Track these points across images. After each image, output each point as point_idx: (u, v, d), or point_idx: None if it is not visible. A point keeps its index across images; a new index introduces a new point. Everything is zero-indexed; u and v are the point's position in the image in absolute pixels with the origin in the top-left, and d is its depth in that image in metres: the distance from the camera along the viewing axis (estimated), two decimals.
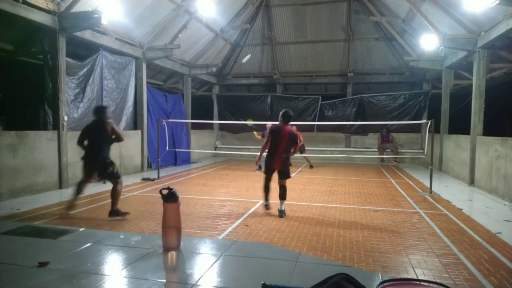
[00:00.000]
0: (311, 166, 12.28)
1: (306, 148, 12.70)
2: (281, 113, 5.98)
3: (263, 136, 11.46)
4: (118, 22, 8.88)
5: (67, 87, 8.20)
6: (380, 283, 1.22)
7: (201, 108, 16.05)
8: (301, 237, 4.65)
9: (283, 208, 5.82)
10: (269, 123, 11.36)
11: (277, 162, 5.86)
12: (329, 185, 8.92)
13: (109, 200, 6.91)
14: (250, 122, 13.65)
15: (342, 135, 15.26)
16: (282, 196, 5.88)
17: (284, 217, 5.67)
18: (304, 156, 12.38)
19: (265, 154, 6.18)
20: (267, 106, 15.95)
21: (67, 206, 5.68)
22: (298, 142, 6.05)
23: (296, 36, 14.89)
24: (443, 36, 8.87)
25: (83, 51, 9.27)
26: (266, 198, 6.11)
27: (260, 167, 11.48)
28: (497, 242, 4.58)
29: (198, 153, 14.48)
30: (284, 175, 5.92)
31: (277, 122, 6.11)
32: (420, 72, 13.97)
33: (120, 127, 10.20)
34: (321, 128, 15.10)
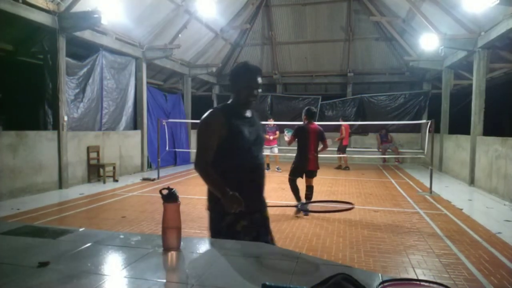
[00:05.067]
0: (345, 167, 12.06)
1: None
2: (304, 111, 5.86)
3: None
4: (118, 22, 8.87)
5: (67, 87, 8.20)
6: (380, 283, 1.22)
7: (201, 108, 15.98)
8: (301, 237, 4.65)
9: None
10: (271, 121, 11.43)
11: (311, 163, 5.71)
12: (329, 185, 8.92)
13: (109, 200, 6.94)
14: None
15: None
16: (310, 197, 5.78)
17: (307, 219, 5.50)
18: (341, 157, 12.18)
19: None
20: (267, 106, 15.94)
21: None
22: (325, 137, 5.80)
23: (296, 36, 14.89)
24: (443, 36, 8.87)
25: (83, 51, 9.26)
26: (299, 198, 5.78)
27: (268, 166, 11.48)
28: (497, 242, 4.58)
29: None
30: (314, 174, 5.84)
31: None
32: (420, 72, 13.97)
33: (120, 127, 10.21)
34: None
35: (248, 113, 2.26)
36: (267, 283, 1.18)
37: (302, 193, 5.85)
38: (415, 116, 14.28)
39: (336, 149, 12.07)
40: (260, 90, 2.23)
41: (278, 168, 11.22)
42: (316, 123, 6.00)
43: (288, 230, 4.95)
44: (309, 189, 5.82)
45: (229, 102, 2.27)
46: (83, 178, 8.59)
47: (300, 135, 5.72)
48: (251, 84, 2.18)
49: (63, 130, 7.78)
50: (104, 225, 5.16)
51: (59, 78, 7.72)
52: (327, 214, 5.90)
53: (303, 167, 5.74)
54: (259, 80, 2.21)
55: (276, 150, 11.27)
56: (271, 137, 11.18)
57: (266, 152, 11.34)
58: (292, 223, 5.38)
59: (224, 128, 2.10)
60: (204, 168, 2.11)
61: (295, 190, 5.83)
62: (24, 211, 5.87)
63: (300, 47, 15.25)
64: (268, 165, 11.48)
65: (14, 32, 8.15)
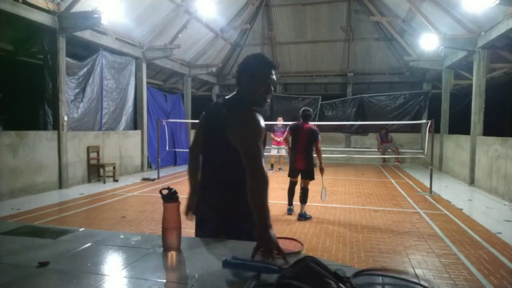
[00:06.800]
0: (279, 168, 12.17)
1: None
2: (300, 111, 5.83)
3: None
4: (118, 22, 8.87)
5: (67, 87, 8.20)
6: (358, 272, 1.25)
7: (201, 108, 15.93)
8: (301, 237, 4.65)
9: (303, 212, 5.61)
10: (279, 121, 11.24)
11: (299, 161, 5.61)
12: (329, 185, 8.91)
13: (109, 200, 6.93)
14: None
15: (342, 135, 15.25)
16: (303, 200, 5.62)
17: (307, 220, 5.50)
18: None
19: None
20: (266, 106, 15.86)
21: None
22: (318, 138, 5.64)
23: (296, 36, 14.89)
24: (443, 36, 8.87)
25: (83, 51, 9.27)
26: (290, 202, 5.92)
27: (272, 166, 11.42)
28: (497, 242, 4.58)
29: None
30: (307, 175, 5.68)
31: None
32: (420, 72, 13.97)
33: (120, 127, 10.21)
34: (321, 128, 15.02)
35: None
36: (228, 258, 1.26)
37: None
38: (415, 116, 14.28)
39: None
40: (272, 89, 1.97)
41: (280, 169, 11.19)
42: (316, 123, 6.01)
43: (288, 230, 4.95)
44: (302, 191, 5.67)
45: (235, 97, 1.97)
46: (83, 178, 8.59)
47: (293, 132, 5.72)
48: (269, 81, 1.90)
49: (63, 130, 7.78)
50: (104, 225, 5.16)
51: (59, 78, 7.72)
52: (327, 215, 5.92)
53: (292, 165, 5.74)
54: (275, 76, 1.95)
55: (284, 151, 10.82)
56: (279, 139, 10.85)
57: (273, 152, 11.29)
58: (292, 223, 5.38)
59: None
60: (267, 178, 1.73)
61: (289, 192, 5.91)
62: (24, 211, 5.87)
63: (300, 47, 15.25)
64: (272, 165, 11.45)
65: (14, 32, 8.15)
